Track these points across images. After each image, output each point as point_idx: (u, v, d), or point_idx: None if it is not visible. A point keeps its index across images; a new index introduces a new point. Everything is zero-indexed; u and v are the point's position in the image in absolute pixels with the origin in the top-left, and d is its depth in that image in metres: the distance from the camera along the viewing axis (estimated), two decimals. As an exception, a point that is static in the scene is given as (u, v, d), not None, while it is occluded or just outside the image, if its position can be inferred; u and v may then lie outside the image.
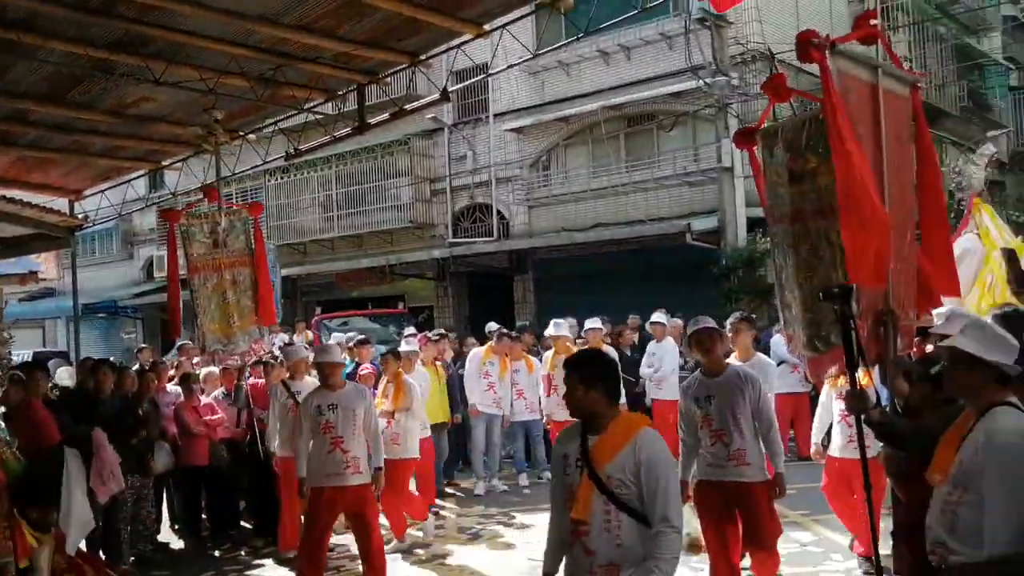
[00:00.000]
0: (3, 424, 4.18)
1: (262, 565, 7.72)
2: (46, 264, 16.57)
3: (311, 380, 7.69)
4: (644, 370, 10.84)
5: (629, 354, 11.89)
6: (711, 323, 5.27)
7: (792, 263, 4.23)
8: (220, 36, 7.92)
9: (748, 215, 15.15)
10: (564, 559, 3.54)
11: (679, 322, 10.89)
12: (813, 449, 6.62)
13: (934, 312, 4.26)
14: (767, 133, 4.41)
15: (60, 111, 9.38)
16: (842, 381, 5.59)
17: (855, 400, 3.83)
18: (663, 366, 10.58)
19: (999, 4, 21.12)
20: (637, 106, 16.76)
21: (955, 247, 5.01)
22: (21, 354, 18.21)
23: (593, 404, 3.44)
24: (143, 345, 14.27)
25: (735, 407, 5.08)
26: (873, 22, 4.19)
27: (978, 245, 6.08)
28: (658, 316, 10.98)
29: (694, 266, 15.14)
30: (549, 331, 10.07)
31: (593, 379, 3.44)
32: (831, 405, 6.24)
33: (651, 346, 10.87)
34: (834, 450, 6.25)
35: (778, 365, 9.00)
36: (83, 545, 7.07)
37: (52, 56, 7.84)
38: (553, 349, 9.97)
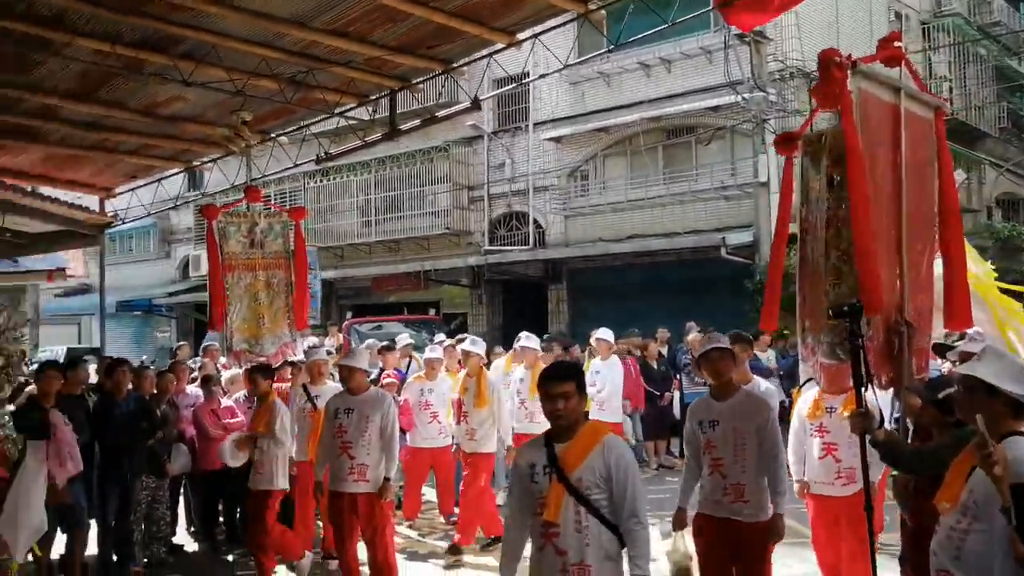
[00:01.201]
0: (10, 421, 4.11)
1: (273, 572, 7.63)
2: (75, 261, 16.83)
3: (332, 385, 7.64)
4: (588, 389, 10.25)
5: (656, 366, 11.75)
6: (724, 342, 4.87)
7: (822, 268, 4.28)
8: (250, 38, 7.93)
9: (784, 231, 14.87)
10: (530, 564, 3.68)
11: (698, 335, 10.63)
12: (796, 487, 5.51)
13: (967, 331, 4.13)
14: (810, 139, 4.43)
15: (90, 109, 9.47)
16: (821, 411, 5.23)
17: (861, 419, 3.76)
18: (606, 386, 10.10)
19: (1040, 26, 20.76)
20: (676, 119, 16.69)
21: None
22: (55, 350, 18.52)
23: (579, 412, 3.64)
24: (181, 343, 14.36)
25: (739, 435, 4.64)
26: (897, 44, 4.09)
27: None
28: (603, 333, 10.52)
29: (728, 280, 14.96)
30: (521, 343, 9.31)
31: (583, 388, 3.67)
32: (806, 437, 5.42)
33: (595, 363, 10.31)
34: (816, 488, 5.36)
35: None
36: (94, 546, 7.13)
37: (81, 53, 7.91)
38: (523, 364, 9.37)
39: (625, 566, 3.59)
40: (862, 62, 3.72)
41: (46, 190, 11.35)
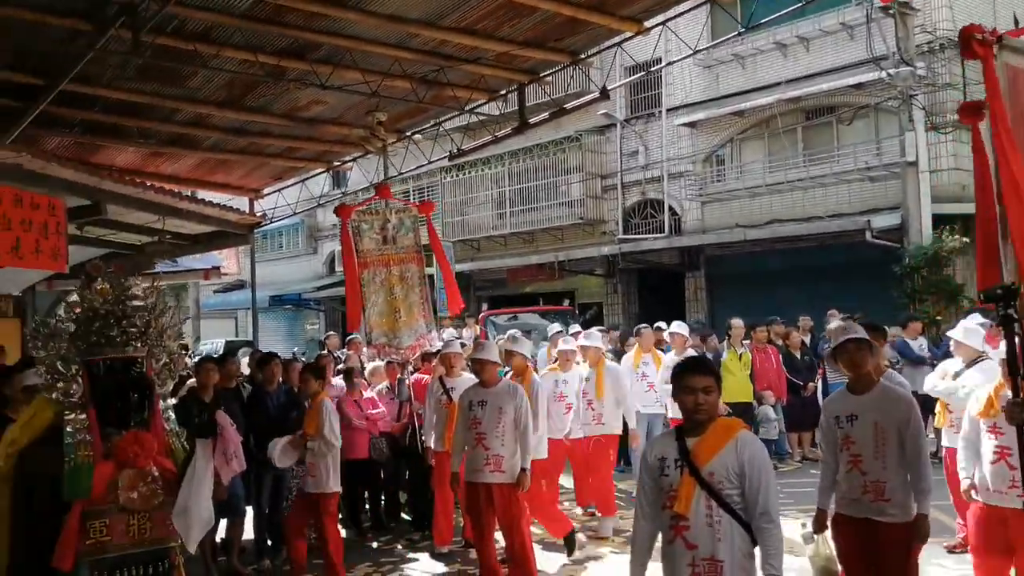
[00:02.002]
0: (172, 415, 4.34)
1: (416, 559, 7.85)
2: (228, 259, 17.78)
3: (468, 376, 7.76)
4: (662, 385, 9.72)
5: (799, 356, 11.36)
6: (860, 332, 4.59)
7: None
8: (383, 40, 8.18)
9: (934, 211, 14.05)
10: (661, 558, 3.66)
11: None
12: (965, 486, 5.14)
13: None
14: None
15: (237, 115, 10.02)
16: (996, 409, 4.70)
17: (1017, 410, 3.49)
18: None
19: None
20: (816, 99, 16.01)
21: None
22: (215, 342, 19.73)
23: (716, 407, 3.64)
24: (330, 332, 14.94)
25: (880, 431, 4.38)
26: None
27: None
28: (676, 327, 10.12)
29: (874, 265, 14.24)
30: (581, 341, 9.10)
31: (719, 382, 3.67)
32: (978, 440, 4.97)
33: (667, 358, 9.84)
34: (984, 495, 4.88)
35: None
36: (250, 531, 7.55)
37: (228, 64, 8.35)
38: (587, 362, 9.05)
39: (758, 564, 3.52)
40: (1009, 36, 3.40)
41: (201, 194, 12.10)
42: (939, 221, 13.94)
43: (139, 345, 3.92)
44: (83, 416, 3.86)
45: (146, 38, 7.29)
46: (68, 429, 3.83)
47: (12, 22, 7.28)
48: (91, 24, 7.35)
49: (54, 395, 3.89)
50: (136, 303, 3.90)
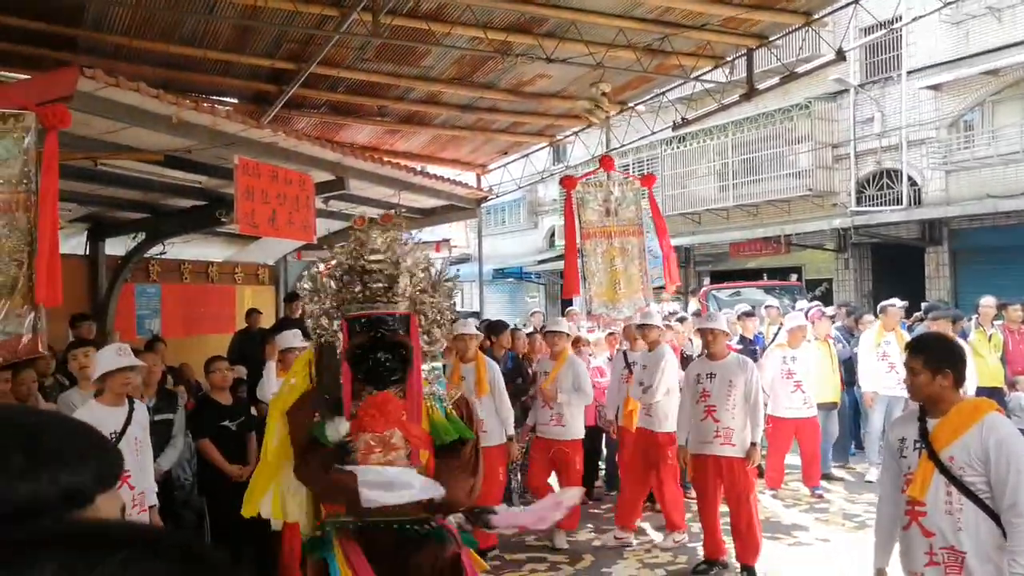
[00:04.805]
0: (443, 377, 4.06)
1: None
2: (457, 233, 18.50)
3: (646, 351, 7.60)
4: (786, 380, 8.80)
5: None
6: None
7: None
8: (607, 10, 8.14)
9: None
10: (900, 542, 3.52)
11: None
12: None
13: None
14: None
15: (466, 92, 10.37)
16: None
17: None
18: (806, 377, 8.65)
19: None
20: (1089, 50, 14.17)
21: None
22: (443, 312, 20.73)
23: (937, 390, 3.37)
24: (536, 309, 15.29)
25: None
26: None
27: None
28: (793, 318, 9.04)
29: None
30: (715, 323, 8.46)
31: (940, 365, 3.37)
32: None
33: (781, 351, 8.80)
34: None
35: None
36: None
37: (458, 42, 8.64)
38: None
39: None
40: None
41: (431, 169, 12.66)
42: None
43: (394, 300, 3.52)
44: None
45: (384, 20, 7.70)
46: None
47: (273, 13, 7.93)
48: (337, 10, 7.86)
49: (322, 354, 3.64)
50: (376, 257, 3.53)
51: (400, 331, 3.49)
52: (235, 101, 10.33)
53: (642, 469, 7.32)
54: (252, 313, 9.99)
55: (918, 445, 3.38)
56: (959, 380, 3.39)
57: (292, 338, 6.55)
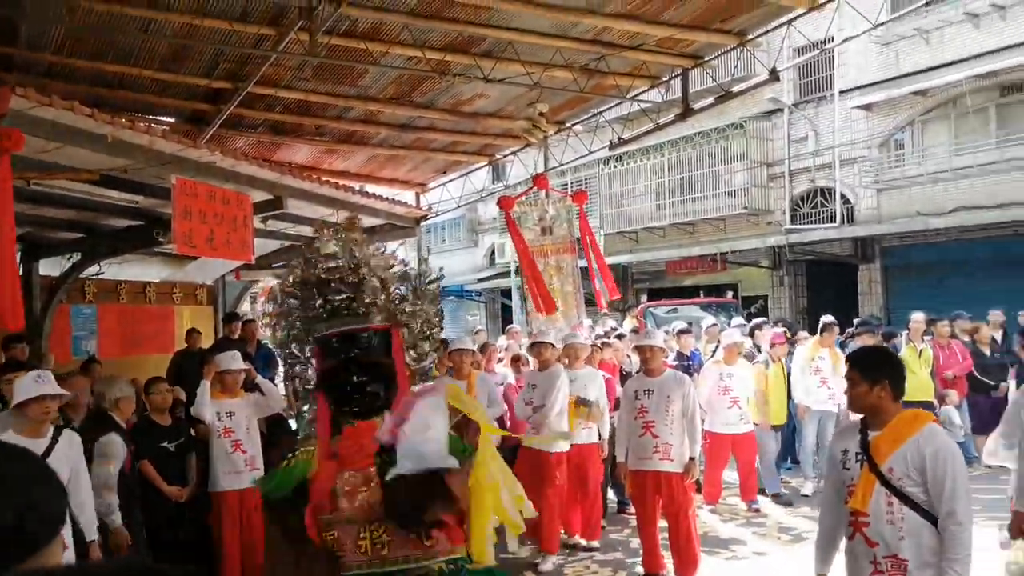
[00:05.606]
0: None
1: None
2: (402, 252, 18.43)
3: (589, 369, 7.73)
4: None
5: (989, 353, 10.56)
6: None
7: None
8: (544, 30, 8.22)
9: None
10: (845, 555, 3.59)
11: None
12: None
13: None
14: None
15: (405, 111, 10.37)
16: None
17: None
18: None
19: None
20: (1013, 73, 14.72)
21: None
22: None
23: (875, 401, 3.46)
24: (480, 328, 15.30)
25: None
26: None
27: None
28: (730, 333, 9.23)
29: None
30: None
31: (877, 376, 3.45)
32: None
33: (717, 367, 8.90)
34: None
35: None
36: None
37: (396, 61, 8.65)
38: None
39: None
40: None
41: (370, 188, 12.62)
42: None
43: (364, 312, 3.03)
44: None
45: (322, 39, 7.67)
46: (305, 419, 3.09)
47: (210, 32, 7.86)
48: (274, 29, 7.81)
49: (296, 384, 3.11)
50: (332, 264, 3.06)
51: (379, 348, 2.99)
52: (172, 120, 10.19)
53: (531, 488, 7.20)
54: (192, 333, 9.87)
55: (860, 457, 3.46)
56: (897, 391, 3.47)
57: (230, 359, 6.47)
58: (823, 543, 3.74)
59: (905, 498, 3.31)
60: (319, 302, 3.04)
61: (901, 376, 3.52)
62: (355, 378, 2.89)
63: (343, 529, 2.79)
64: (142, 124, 7.29)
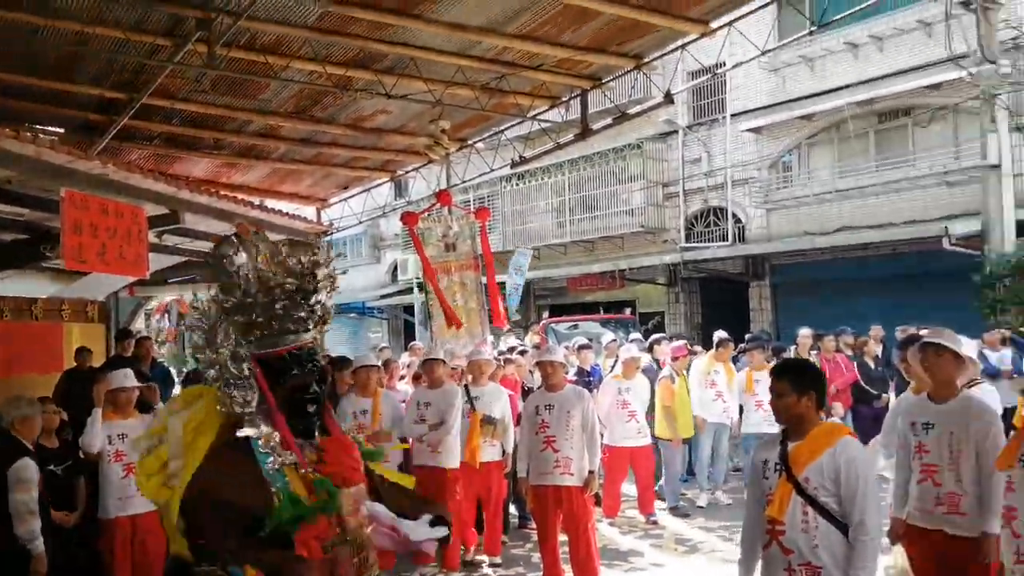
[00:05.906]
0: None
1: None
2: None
3: (493, 386, 7.84)
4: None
5: (873, 367, 11.11)
6: (948, 339, 4.38)
7: None
8: (446, 48, 8.28)
9: (1018, 217, 13.51)
10: (762, 563, 3.69)
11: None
12: None
13: None
14: None
15: (305, 126, 10.27)
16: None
17: None
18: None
19: None
20: (890, 100, 15.60)
21: None
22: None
23: (803, 411, 3.58)
24: (384, 345, 15.17)
25: (955, 442, 4.24)
26: None
27: None
28: (628, 349, 9.56)
29: (952, 274, 13.75)
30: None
31: (805, 387, 3.58)
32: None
33: (616, 382, 9.10)
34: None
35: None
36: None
37: (297, 75, 8.57)
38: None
39: None
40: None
41: (270, 203, 12.40)
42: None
43: (308, 326, 2.96)
44: (270, 430, 2.86)
45: (220, 51, 7.53)
46: (261, 451, 2.82)
47: (103, 40, 7.61)
48: (170, 40, 7.63)
49: (233, 406, 2.87)
50: (289, 279, 2.92)
51: (315, 361, 2.95)
52: (62, 131, 9.79)
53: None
54: (82, 352, 9.46)
55: (778, 467, 3.58)
56: (821, 402, 3.63)
57: (123, 378, 6.24)
58: (745, 550, 3.82)
59: (819, 507, 3.43)
60: (261, 316, 2.88)
61: (824, 388, 3.70)
62: (319, 391, 2.92)
63: (340, 550, 2.81)
64: (28, 134, 7.00)
